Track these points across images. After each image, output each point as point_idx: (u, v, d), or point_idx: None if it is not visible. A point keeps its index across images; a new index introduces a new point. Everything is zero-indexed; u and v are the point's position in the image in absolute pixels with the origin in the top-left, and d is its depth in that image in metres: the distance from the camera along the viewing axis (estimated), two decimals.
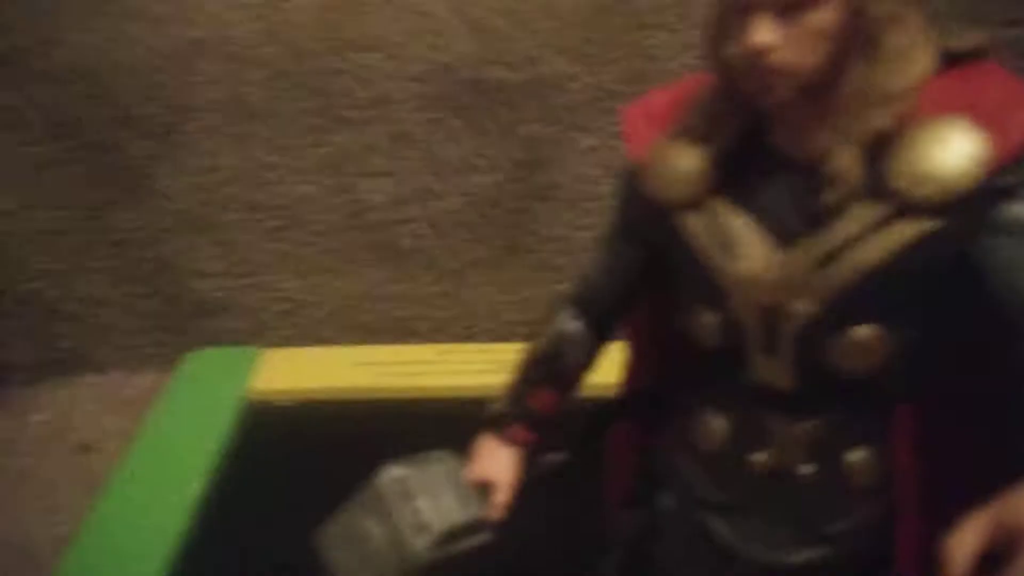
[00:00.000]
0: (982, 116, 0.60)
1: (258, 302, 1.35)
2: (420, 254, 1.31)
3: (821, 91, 0.61)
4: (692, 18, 1.17)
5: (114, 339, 1.35)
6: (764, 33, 0.59)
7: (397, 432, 1.15)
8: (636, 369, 0.83)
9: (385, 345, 1.33)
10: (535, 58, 1.19)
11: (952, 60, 0.63)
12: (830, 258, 0.63)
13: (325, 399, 1.21)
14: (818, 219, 0.63)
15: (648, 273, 0.75)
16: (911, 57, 0.61)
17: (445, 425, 1.15)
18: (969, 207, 0.60)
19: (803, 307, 0.65)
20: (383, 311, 1.34)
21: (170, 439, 1.12)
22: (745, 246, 0.66)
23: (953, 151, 0.59)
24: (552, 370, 0.77)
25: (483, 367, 1.23)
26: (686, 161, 0.67)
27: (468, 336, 1.34)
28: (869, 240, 0.62)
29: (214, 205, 1.29)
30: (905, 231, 0.61)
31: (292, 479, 1.09)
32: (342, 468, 1.08)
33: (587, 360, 0.78)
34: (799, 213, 0.64)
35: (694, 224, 0.68)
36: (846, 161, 0.61)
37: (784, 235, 0.65)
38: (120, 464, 1.08)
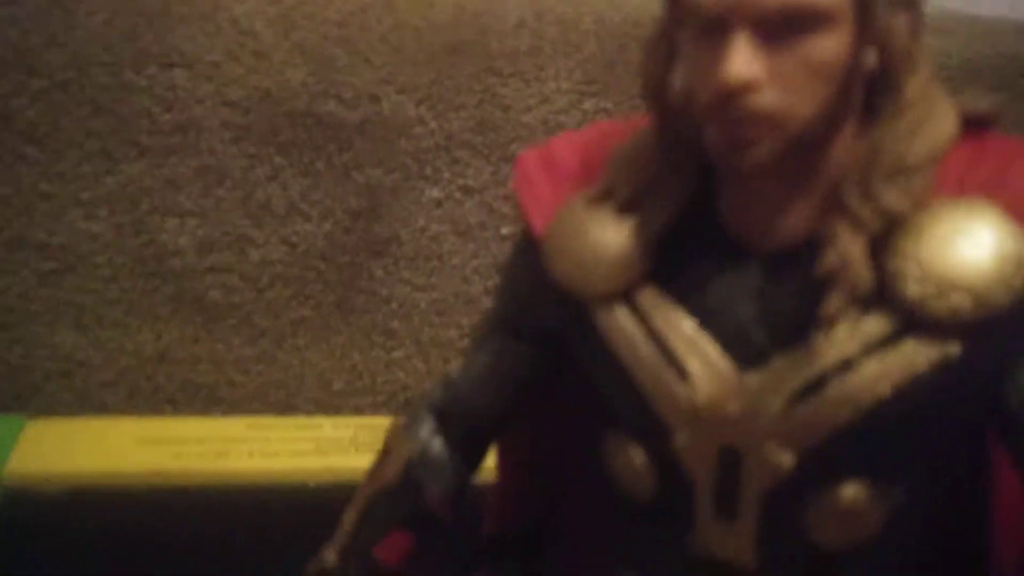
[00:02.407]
0: (1010, 205, 0.46)
1: (23, 360, 1.11)
2: (232, 310, 1.12)
3: (803, 156, 0.47)
4: (548, 69, 1.07)
5: None
6: (744, 63, 0.43)
7: (192, 526, 0.99)
8: (515, 505, 0.65)
9: (184, 417, 1.13)
10: (375, 95, 1.06)
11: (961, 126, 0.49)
12: (815, 388, 0.47)
13: (102, 484, 0.99)
14: (793, 331, 0.48)
15: (541, 380, 0.58)
16: (932, 114, 0.47)
17: (253, 517, 0.99)
18: (1003, 327, 0.46)
19: (776, 455, 0.48)
20: (182, 376, 1.15)
21: None
22: (696, 363, 0.49)
23: (988, 249, 0.45)
24: (407, 508, 0.58)
25: (301, 447, 1.05)
26: (610, 238, 0.50)
27: (287, 407, 1.16)
28: (867, 366, 0.46)
29: None
30: (917, 355, 0.46)
31: None
32: (122, 570, 0.91)
33: (454, 492, 0.59)
34: (764, 320, 0.49)
35: (621, 326, 0.51)
36: (854, 256, 0.45)
37: (747, 350, 0.49)
38: None
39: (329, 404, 1.17)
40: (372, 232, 1.11)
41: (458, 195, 1.09)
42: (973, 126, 0.50)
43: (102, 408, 1.13)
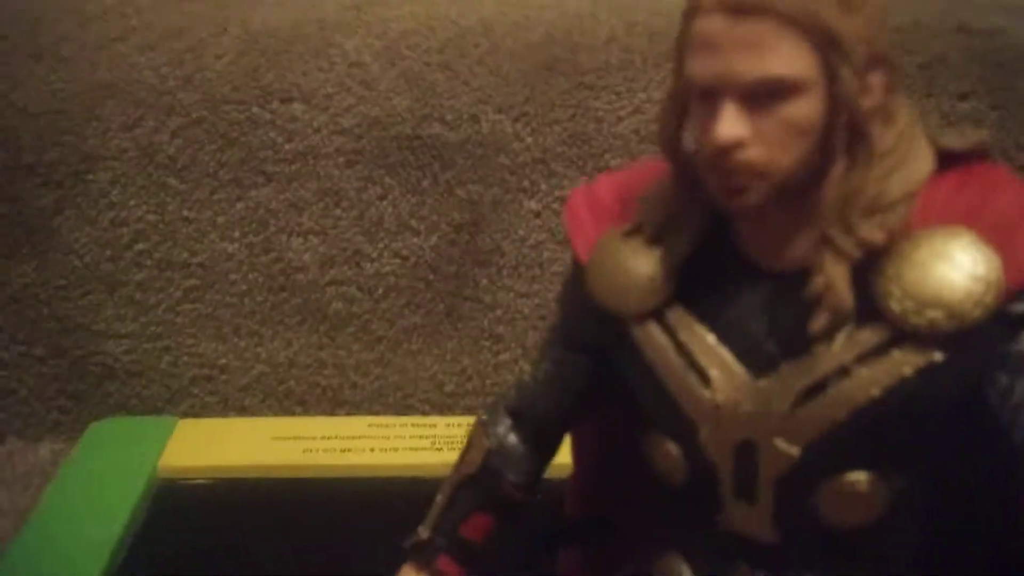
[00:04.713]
0: (989, 229, 0.51)
1: (172, 367, 1.24)
2: (351, 319, 1.22)
3: (800, 195, 0.52)
4: (639, 81, 1.10)
5: (10, 405, 1.24)
6: (732, 125, 0.50)
7: (320, 513, 1.07)
8: (585, 493, 0.73)
9: (312, 416, 1.23)
10: (474, 115, 1.12)
11: (946, 161, 0.54)
12: (815, 391, 0.53)
13: (243, 476, 1.10)
14: (798, 342, 0.53)
15: (598, 385, 0.65)
16: (907, 158, 0.52)
17: (374, 506, 1.08)
18: (980, 337, 0.51)
19: (785, 447, 0.55)
20: (310, 379, 1.25)
21: (71, 518, 1.02)
22: (716, 370, 0.56)
23: (961, 270, 0.50)
24: (487, 492, 0.67)
25: (418, 443, 1.13)
26: (641, 265, 0.58)
27: (403, 407, 1.25)
28: (861, 372, 0.52)
29: (123, 261, 1.19)
30: (904, 363, 0.52)
31: (205, 563, 0.98)
32: (260, 551, 0.99)
33: (528, 480, 0.67)
34: (774, 333, 0.55)
35: (653, 340, 0.58)
36: (837, 281, 0.51)
37: (759, 359, 0.55)
38: (11, 547, 0.97)
39: (442, 404, 1.25)
40: (476, 244, 1.17)
41: (555, 206, 1.14)
42: (963, 159, 0.54)
43: (241, 409, 1.26)
